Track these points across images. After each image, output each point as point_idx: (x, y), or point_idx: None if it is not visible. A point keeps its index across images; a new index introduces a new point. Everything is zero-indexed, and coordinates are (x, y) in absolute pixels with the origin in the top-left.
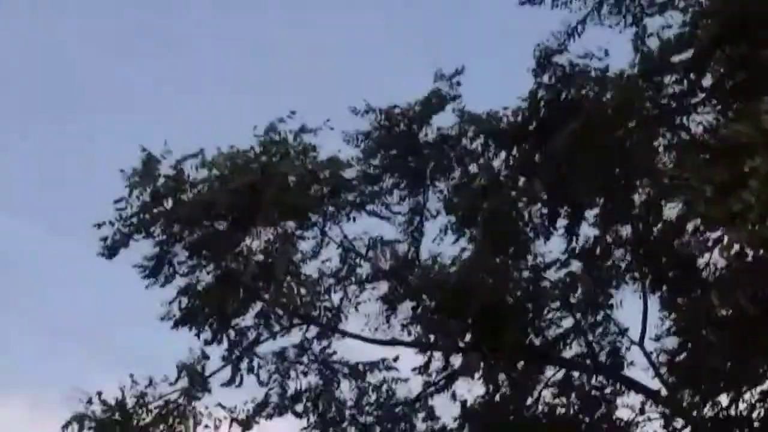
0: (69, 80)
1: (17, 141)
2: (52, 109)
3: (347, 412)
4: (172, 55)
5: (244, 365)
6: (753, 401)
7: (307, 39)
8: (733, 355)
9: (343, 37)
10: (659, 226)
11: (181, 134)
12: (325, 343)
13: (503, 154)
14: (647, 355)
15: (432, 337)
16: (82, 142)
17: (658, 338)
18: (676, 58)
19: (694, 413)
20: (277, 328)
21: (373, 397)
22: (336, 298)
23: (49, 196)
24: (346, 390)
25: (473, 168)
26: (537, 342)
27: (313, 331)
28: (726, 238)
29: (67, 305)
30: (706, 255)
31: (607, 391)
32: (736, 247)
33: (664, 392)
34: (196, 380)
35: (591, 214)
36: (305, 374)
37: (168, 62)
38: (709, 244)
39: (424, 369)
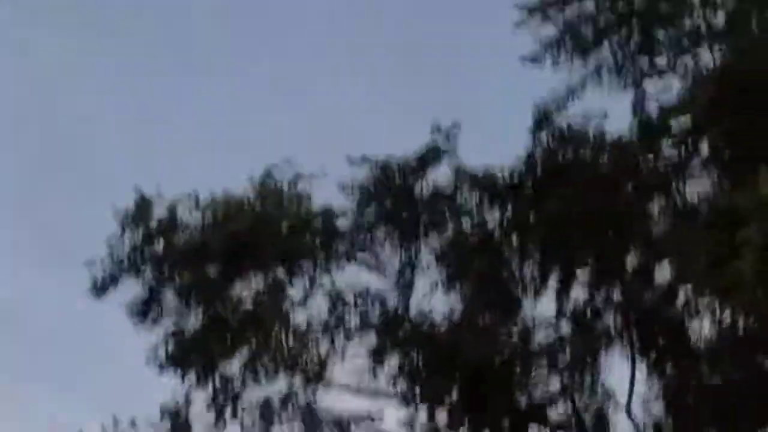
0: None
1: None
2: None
3: None
4: (169, 91)
5: (228, 411)
6: None
7: (306, 88)
8: (719, 425)
9: (342, 88)
10: (650, 291)
11: (175, 176)
12: (310, 392)
13: (497, 212)
14: (633, 420)
15: (418, 392)
16: (75, 179)
17: (645, 403)
18: (674, 124)
19: None
20: (263, 375)
21: None
22: (323, 348)
23: (39, 231)
24: None
25: (467, 224)
26: (523, 402)
27: (299, 380)
28: (717, 307)
29: (51, 342)
30: (697, 322)
31: None
32: (727, 316)
33: None
34: (180, 424)
35: (582, 276)
36: (289, 423)
37: (163, 102)
38: (700, 311)
39: (408, 423)
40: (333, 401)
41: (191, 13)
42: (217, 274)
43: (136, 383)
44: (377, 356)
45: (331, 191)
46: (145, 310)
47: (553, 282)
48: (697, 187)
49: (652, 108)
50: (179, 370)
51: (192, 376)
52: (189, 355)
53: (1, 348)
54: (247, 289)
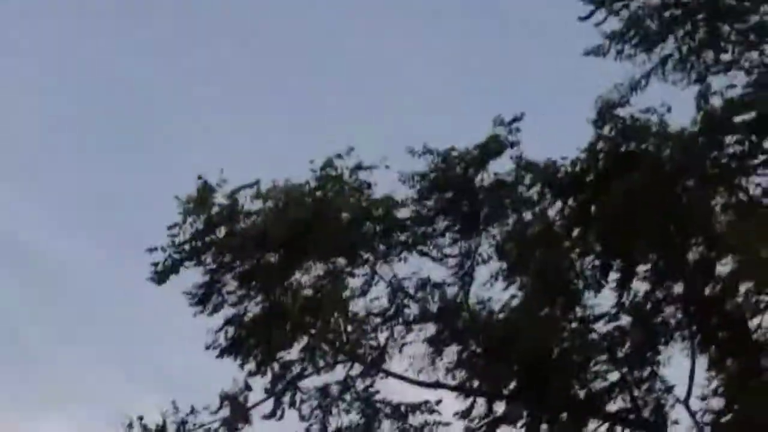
0: (132, 106)
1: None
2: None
3: None
4: (231, 85)
5: (286, 399)
6: None
7: (369, 78)
8: None
9: (405, 79)
10: (711, 285)
11: (237, 166)
12: (368, 381)
13: (559, 204)
14: (692, 414)
15: (476, 383)
16: (141, 165)
17: (704, 398)
18: (738, 119)
19: None
20: (321, 363)
21: None
22: (382, 337)
23: (107, 217)
24: (387, 430)
25: (528, 216)
26: (581, 394)
27: (358, 368)
28: None
29: (116, 327)
30: (758, 317)
31: None
32: None
33: None
34: (238, 411)
35: (643, 268)
36: (347, 412)
37: (226, 93)
38: (762, 306)
39: (466, 414)
40: (391, 390)
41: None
42: (278, 261)
43: (195, 369)
44: (436, 346)
45: (392, 181)
46: (206, 296)
47: (613, 274)
48: (760, 181)
49: (716, 103)
50: (238, 357)
51: (251, 363)
52: (248, 341)
53: (69, 333)
54: (306, 277)
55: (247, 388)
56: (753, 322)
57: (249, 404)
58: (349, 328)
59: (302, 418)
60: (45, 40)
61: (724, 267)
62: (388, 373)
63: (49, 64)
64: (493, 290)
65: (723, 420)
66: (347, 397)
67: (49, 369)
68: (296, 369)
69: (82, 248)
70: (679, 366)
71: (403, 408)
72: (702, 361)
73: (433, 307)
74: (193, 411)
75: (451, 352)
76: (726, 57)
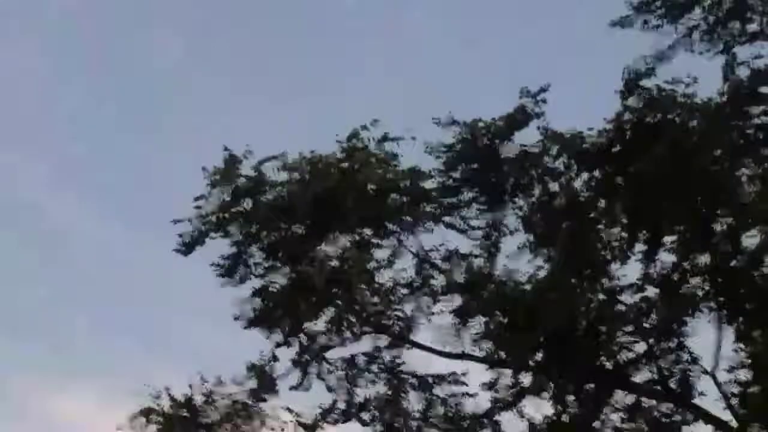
0: (160, 80)
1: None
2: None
3: (413, 424)
4: (257, 60)
5: (313, 370)
6: None
7: (394, 50)
8: None
9: (431, 51)
10: (739, 256)
11: (263, 138)
12: (395, 352)
13: (585, 175)
14: (719, 385)
15: (502, 354)
16: (167, 140)
17: (731, 369)
18: (765, 89)
19: None
20: (348, 334)
21: (441, 410)
22: (408, 308)
23: (129, 189)
24: (413, 401)
25: (554, 187)
26: (608, 365)
27: (384, 340)
28: None
29: (140, 299)
30: None
31: (677, 418)
32: None
33: (734, 424)
34: (265, 382)
35: (670, 240)
36: (373, 383)
37: (251, 67)
38: None
39: (492, 385)
40: (417, 362)
41: None
42: (303, 233)
43: (223, 340)
44: (462, 317)
45: (418, 153)
46: (232, 268)
47: (640, 245)
48: None
49: (743, 73)
50: (265, 328)
51: (278, 335)
52: (275, 313)
53: (94, 306)
54: (332, 249)
55: (274, 359)
56: None
57: (276, 375)
58: (375, 300)
59: (329, 389)
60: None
61: (751, 238)
62: (415, 345)
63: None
64: (520, 262)
65: (750, 391)
66: (374, 368)
67: (69, 340)
68: (323, 340)
69: (106, 224)
70: (705, 337)
71: (429, 379)
72: (729, 333)
73: (460, 279)
74: (220, 382)
75: (478, 324)
76: (752, 27)
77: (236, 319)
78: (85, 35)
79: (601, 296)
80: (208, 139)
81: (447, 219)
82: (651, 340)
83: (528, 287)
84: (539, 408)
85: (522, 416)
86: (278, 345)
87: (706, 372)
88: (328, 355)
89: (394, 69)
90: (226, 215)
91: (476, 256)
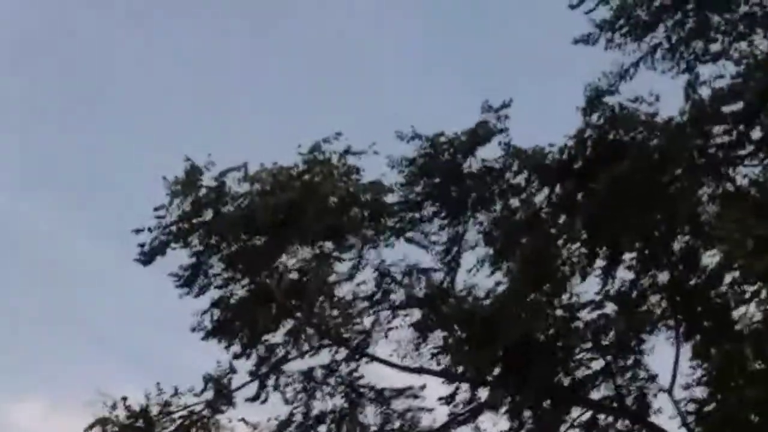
0: (113, 86)
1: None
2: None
3: None
4: (218, 68)
5: (270, 382)
6: None
7: (356, 62)
8: (762, 409)
9: (393, 65)
10: (697, 275)
11: (225, 150)
12: (353, 366)
13: (546, 191)
14: (676, 403)
15: (460, 369)
16: (124, 148)
17: (687, 387)
18: (726, 109)
19: None
20: (306, 347)
21: (397, 424)
22: (367, 321)
23: (90, 197)
24: (370, 415)
25: (515, 202)
26: (565, 381)
27: (342, 353)
28: (764, 292)
29: (95, 309)
30: (743, 307)
31: None
32: None
33: None
34: (222, 393)
35: (629, 257)
36: (331, 396)
37: (213, 75)
38: (746, 296)
39: (450, 399)
40: (375, 375)
41: None
42: (264, 244)
43: (180, 351)
44: (421, 331)
45: (380, 166)
46: (192, 278)
47: (599, 262)
48: (747, 172)
49: (705, 93)
50: (223, 340)
51: (236, 346)
52: (234, 324)
53: (50, 312)
54: (293, 261)
55: (232, 370)
56: (737, 312)
57: (233, 387)
58: (335, 313)
59: (286, 401)
60: None
61: (709, 257)
62: (373, 358)
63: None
64: (479, 276)
65: (706, 409)
66: (331, 381)
67: (24, 349)
68: (281, 352)
69: (62, 227)
70: (663, 355)
71: (387, 393)
72: (686, 351)
73: (419, 293)
74: (176, 393)
75: (436, 338)
76: (715, 47)
77: (194, 329)
78: None
79: (560, 312)
80: None
81: (408, 233)
82: (608, 357)
83: (487, 302)
84: (496, 424)
85: (479, 431)
86: (236, 356)
87: (663, 389)
88: (286, 367)
89: (357, 82)
90: (187, 226)
91: (436, 271)
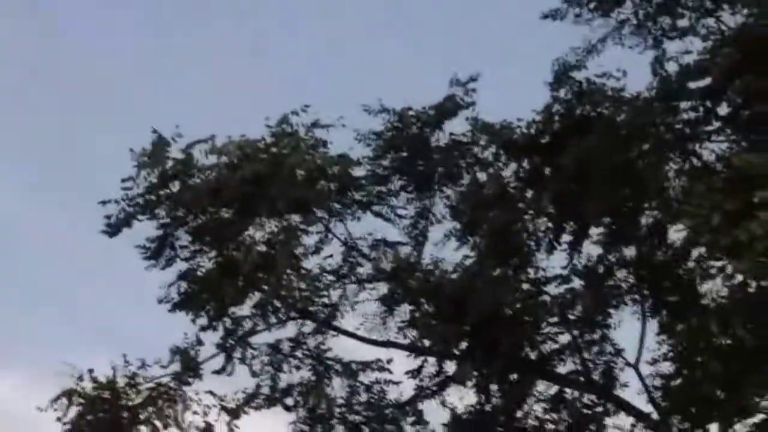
0: (83, 58)
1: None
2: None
3: (337, 410)
4: (192, 37)
5: (237, 354)
6: None
7: (325, 36)
8: (727, 385)
9: (362, 38)
10: (663, 250)
11: (192, 121)
12: (320, 338)
13: (513, 165)
14: (641, 377)
15: (427, 342)
16: (93, 120)
17: (653, 362)
18: (693, 85)
19: None
20: (273, 320)
21: (364, 396)
22: (335, 295)
23: (57, 169)
24: (337, 387)
25: (482, 176)
26: (532, 355)
27: (309, 326)
28: (730, 268)
29: (64, 281)
30: (709, 282)
31: (599, 410)
32: (739, 277)
33: (655, 416)
34: (189, 365)
35: (596, 232)
36: (298, 368)
37: (186, 46)
38: (713, 272)
39: (416, 373)
40: (342, 348)
41: None
42: (231, 217)
43: (147, 323)
44: (388, 305)
45: (348, 140)
46: (159, 250)
47: (566, 237)
48: (713, 148)
49: (671, 68)
50: (190, 312)
51: (203, 318)
52: (201, 297)
53: (14, 285)
54: (260, 234)
55: (199, 343)
56: (704, 287)
57: (200, 359)
58: (302, 285)
59: (253, 374)
60: None
61: (676, 232)
62: (340, 331)
63: None
64: (447, 250)
65: (672, 384)
66: (298, 353)
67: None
68: (248, 325)
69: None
70: (629, 330)
71: (354, 366)
72: (653, 326)
73: (386, 267)
74: (143, 365)
75: (403, 312)
76: (682, 23)
77: (161, 302)
78: None
79: (527, 286)
80: None
81: (375, 207)
82: (575, 332)
83: (454, 276)
84: (463, 397)
85: (445, 405)
86: (203, 329)
87: (629, 364)
88: (253, 339)
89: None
90: (154, 198)
91: (403, 244)
